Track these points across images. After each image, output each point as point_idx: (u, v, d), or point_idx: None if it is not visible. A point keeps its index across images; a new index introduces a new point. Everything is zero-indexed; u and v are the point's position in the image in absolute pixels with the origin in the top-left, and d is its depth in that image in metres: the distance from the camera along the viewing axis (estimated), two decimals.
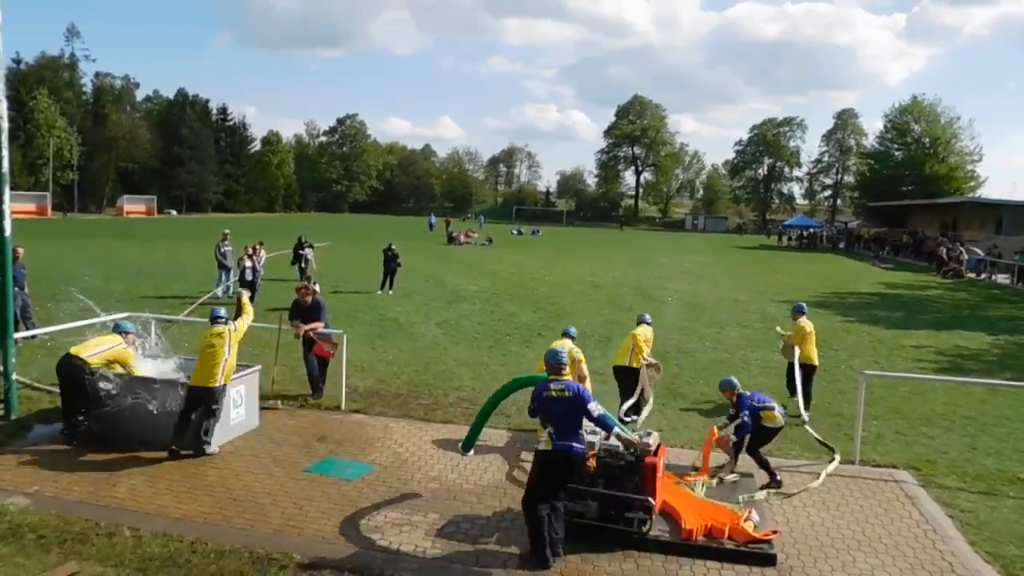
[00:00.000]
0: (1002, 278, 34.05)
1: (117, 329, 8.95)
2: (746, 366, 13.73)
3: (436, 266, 31.35)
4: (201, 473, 7.74)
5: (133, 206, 78.03)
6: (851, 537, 6.76)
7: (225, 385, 8.31)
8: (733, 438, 7.78)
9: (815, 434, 9.01)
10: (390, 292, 21.96)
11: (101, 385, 8.40)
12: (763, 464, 7.83)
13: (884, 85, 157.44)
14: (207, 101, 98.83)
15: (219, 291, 19.86)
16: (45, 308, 16.78)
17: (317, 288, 11.44)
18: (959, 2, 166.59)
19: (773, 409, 7.80)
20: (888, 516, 7.24)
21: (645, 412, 9.94)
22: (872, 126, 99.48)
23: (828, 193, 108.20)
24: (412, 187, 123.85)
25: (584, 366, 9.35)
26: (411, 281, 24.85)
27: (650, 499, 6.40)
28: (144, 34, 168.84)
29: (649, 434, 6.86)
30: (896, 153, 75.46)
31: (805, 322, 11.06)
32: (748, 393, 7.95)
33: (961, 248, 39.04)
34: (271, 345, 11.54)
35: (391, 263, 22.51)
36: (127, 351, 8.69)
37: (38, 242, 33.58)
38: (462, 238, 49.59)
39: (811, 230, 72.24)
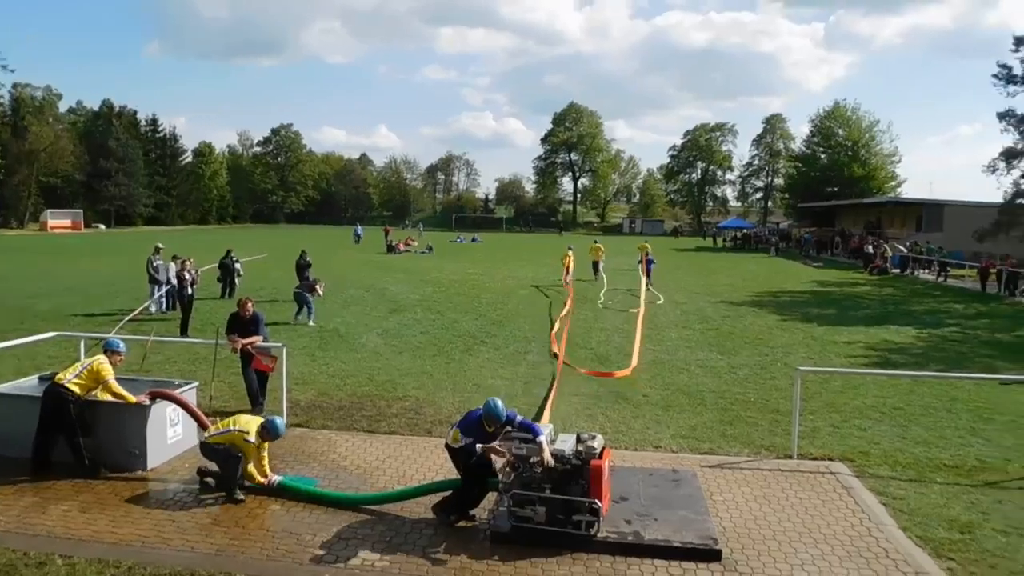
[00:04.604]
0: (924, 274, 35.64)
1: (107, 347, 8.48)
2: (687, 367, 13.99)
3: (376, 275, 31.04)
4: (138, 496, 7.48)
5: (58, 221, 75.26)
6: (792, 529, 6.95)
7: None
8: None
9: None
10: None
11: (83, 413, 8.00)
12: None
13: (808, 91, 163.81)
14: (135, 112, 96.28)
15: (152, 307, 19.26)
16: None
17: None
18: (872, 12, 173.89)
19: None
20: (826, 507, 7.47)
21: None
22: (799, 130, 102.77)
23: (760, 195, 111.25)
24: (350, 197, 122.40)
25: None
26: (352, 291, 24.55)
27: (597, 501, 6.46)
28: (67, 44, 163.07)
29: (594, 437, 6.93)
30: (821, 156, 78.65)
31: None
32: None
33: (885, 245, 40.65)
34: (208, 361, 11.27)
35: (304, 272, 22.13)
36: (104, 365, 8.12)
37: None
38: (401, 246, 49.32)
39: (744, 231, 74.14)
